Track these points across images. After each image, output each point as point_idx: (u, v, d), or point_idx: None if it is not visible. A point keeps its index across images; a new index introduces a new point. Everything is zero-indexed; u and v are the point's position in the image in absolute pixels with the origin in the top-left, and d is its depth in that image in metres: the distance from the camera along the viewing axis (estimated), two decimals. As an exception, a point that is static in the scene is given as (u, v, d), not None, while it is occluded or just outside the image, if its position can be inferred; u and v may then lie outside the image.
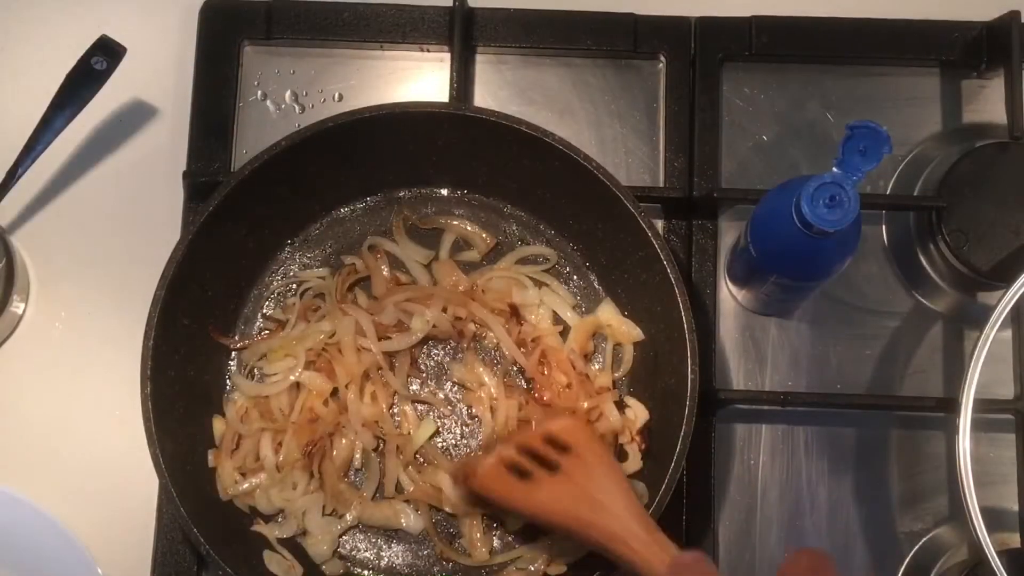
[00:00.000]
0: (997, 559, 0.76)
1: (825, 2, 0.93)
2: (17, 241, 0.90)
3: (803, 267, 0.77)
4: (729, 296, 0.90)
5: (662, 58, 0.93)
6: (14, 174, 0.87)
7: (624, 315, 0.87)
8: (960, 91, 0.93)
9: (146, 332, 0.79)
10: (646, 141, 0.92)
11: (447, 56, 0.91)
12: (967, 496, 0.76)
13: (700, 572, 0.65)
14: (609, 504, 0.74)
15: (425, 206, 0.90)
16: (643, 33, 0.92)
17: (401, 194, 0.90)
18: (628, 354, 0.87)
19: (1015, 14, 0.89)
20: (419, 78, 0.94)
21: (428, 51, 0.93)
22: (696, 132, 0.91)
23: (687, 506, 0.85)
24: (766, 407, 0.88)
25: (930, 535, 0.86)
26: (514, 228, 0.90)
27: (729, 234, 0.90)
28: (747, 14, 0.92)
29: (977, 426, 0.78)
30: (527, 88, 0.93)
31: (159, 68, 0.94)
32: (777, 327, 0.89)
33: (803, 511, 0.87)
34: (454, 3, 0.91)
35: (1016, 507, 0.85)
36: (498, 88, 0.93)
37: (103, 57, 0.87)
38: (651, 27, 0.92)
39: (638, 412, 0.85)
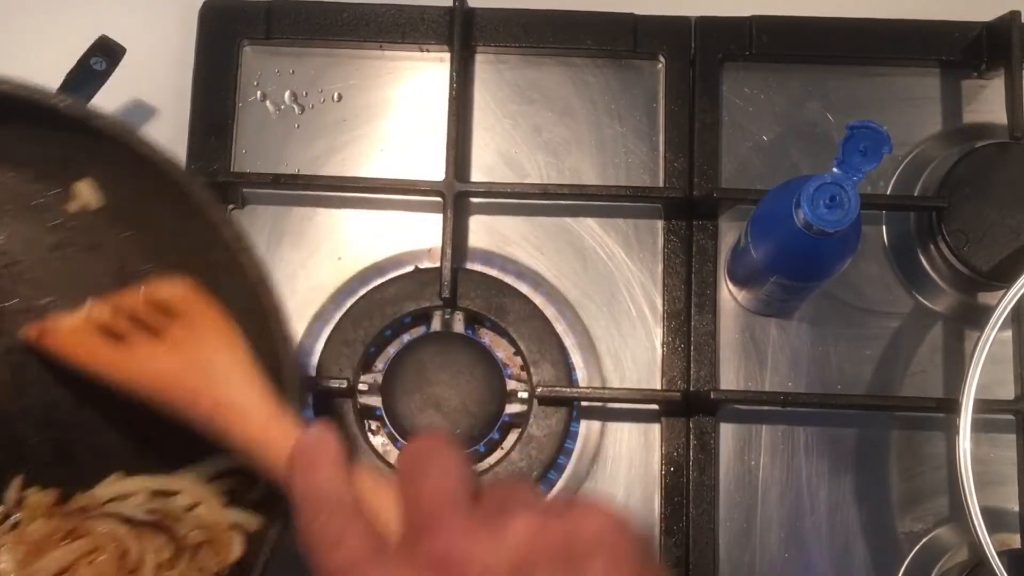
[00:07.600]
0: (997, 559, 0.76)
1: (825, 2, 0.93)
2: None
3: (803, 267, 0.77)
4: (729, 296, 0.89)
5: (662, 58, 0.92)
6: (13, 174, 0.87)
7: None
8: (960, 91, 0.93)
9: None
10: (646, 141, 0.92)
11: (447, 56, 0.91)
12: (967, 497, 0.76)
13: (324, 454, 0.55)
14: (224, 373, 0.63)
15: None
16: (643, 33, 0.92)
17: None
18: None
19: (1015, 14, 0.89)
20: (418, 78, 0.94)
21: (428, 51, 0.93)
22: (696, 132, 0.90)
23: (689, 507, 0.85)
24: (766, 408, 0.87)
25: (930, 536, 0.86)
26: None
27: (729, 234, 0.90)
28: (747, 14, 0.92)
29: (977, 427, 0.78)
30: (527, 88, 0.93)
31: (158, 68, 0.93)
32: (777, 327, 0.89)
33: (803, 512, 0.87)
34: (454, 3, 0.91)
35: (1016, 507, 0.85)
36: (498, 88, 0.93)
37: (103, 57, 0.87)
38: (651, 27, 0.92)
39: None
